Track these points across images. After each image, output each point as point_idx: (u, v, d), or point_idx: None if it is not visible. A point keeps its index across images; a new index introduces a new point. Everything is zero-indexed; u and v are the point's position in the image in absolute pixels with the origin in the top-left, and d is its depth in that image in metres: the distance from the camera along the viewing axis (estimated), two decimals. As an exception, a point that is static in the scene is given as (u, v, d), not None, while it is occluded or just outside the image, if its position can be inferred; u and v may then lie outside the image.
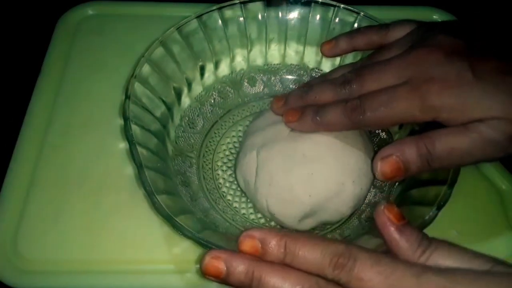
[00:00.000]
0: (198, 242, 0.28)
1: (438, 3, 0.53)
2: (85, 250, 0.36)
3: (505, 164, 0.41)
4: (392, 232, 0.23)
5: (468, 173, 0.40)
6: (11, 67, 0.49)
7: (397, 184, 0.36)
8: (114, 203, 0.38)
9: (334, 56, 0.40)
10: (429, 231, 0.35)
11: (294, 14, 0.41)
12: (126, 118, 0.32)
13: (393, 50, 0.33)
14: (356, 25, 0.40)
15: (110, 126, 0.42)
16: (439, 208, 0.29)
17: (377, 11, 0.40)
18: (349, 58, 0.41)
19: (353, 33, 0.38)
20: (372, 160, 0.31)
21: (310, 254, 0.23)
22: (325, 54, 0.39)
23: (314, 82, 0.37)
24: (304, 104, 0.34)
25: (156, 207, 0.28)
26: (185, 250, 0.36)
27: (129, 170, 0.39)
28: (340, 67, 0.37)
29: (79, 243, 0.36)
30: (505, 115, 0.27)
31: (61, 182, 0.39)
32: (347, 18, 0.40)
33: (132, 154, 0.30)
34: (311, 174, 0.34)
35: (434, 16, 0.52)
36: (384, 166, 0.29)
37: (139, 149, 0.31)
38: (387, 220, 0.23)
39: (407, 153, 0.29)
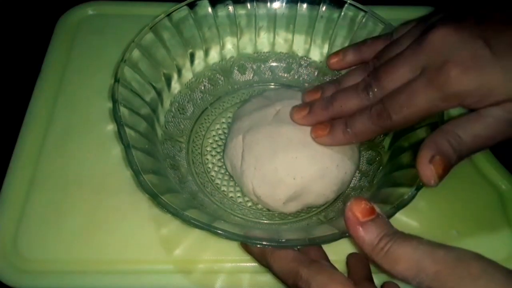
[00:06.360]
0: (183, 219, 0.28)
1: (438, 3, 0.52)
2: (85, 250, 0.36)
3: (505, 164, 0.41)
4: (355, 229, 0.25)
5: (468, 173, 0.41)
6: (11, 67, 0.49)
7: (380, 168, 0.37)
8: (114, 203, 0.38)
9: (342, 69, 0.38)
10: (430, 231, 0.37)
11: (282, 3, 0.42)
12: (114, 101, 0.33)
13: (403, 43, 0.32)
14: (343, 13, 0.40)
15: (111, 127, 0.42)
16: (418, 188, 0.30)
17: (376, 11, 0.40)
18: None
19: (359, 45, 0.37)
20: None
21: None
22: (332, 68, 0.38)
23: (330, 87, 0.36)
24: (330, 114, 0.34)
25: (142, 185, 0.29)
26: (184, 250, 0.36)
27: (129, 170, 0.39)
28: (355, 69, 0.35)
29: (79, 243, 0.36)
30: None
31: (61, 182, 0.39)
32: (334, 7, 0.41)
33: (120, 134, 0.31)
34: (295, 158, 0.34)
35: (434, 16, 0.52)
36: (438, 168, 0.27)
37: (127, 130, 0.32)
38: (352, 216, 0.25)
39: (445, 150, 0.27)
